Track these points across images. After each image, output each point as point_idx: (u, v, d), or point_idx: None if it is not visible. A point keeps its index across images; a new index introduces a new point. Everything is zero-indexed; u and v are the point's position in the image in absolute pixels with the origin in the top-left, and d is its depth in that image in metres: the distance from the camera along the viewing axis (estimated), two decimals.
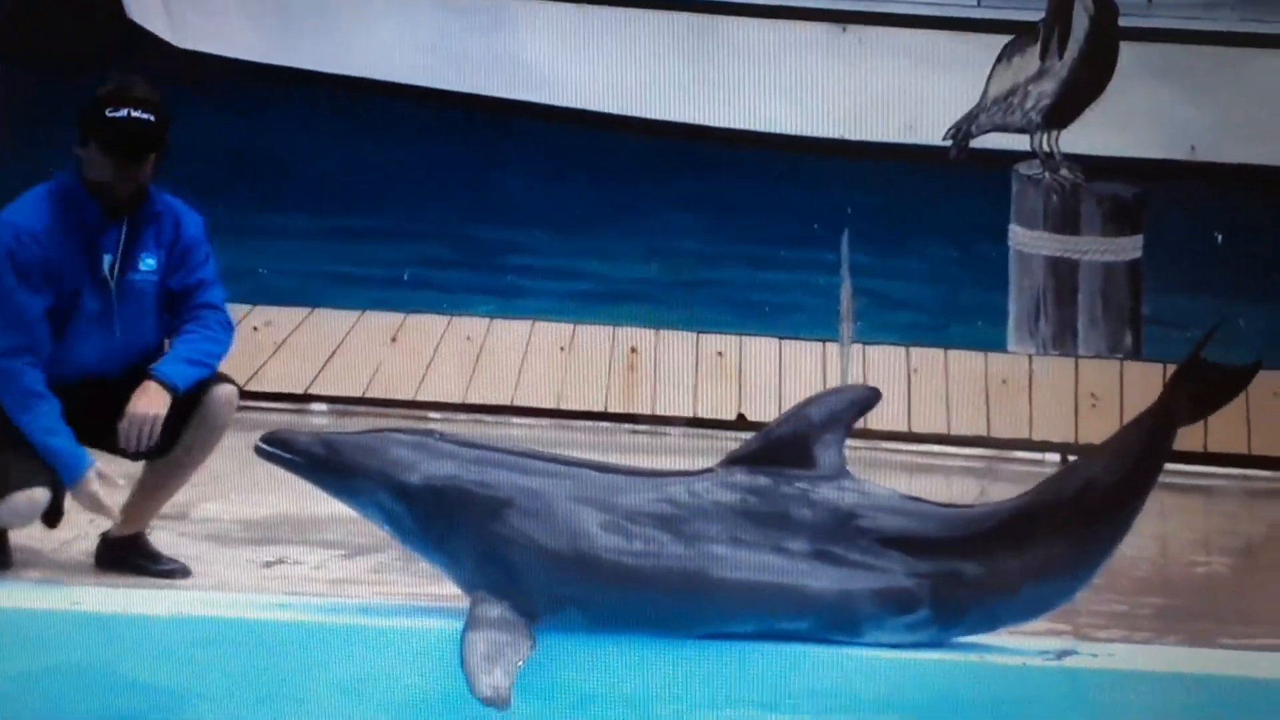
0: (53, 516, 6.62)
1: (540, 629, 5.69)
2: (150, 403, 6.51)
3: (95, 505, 6.55)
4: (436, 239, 10.21)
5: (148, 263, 6.60)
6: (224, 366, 6.80)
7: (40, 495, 6.48)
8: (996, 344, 10.20)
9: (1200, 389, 6.06)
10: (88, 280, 6.53)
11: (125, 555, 6.84)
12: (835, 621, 5.82)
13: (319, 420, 10.02)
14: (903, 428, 10.03)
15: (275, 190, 10.14)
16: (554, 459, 6.01)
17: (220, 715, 5.64)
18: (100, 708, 5.63)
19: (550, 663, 5.60)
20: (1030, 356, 10.21)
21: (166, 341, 6.80)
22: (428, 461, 5.89)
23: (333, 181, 10.16)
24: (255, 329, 10.11)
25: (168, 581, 6.75)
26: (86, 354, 6.60)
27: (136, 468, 6.84)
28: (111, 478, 6.57)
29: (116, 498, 6.61)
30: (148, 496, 6.86)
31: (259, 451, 5.98)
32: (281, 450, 5.97)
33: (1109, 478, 5.99)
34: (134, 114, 6.44)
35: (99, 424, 6.57)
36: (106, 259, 6.54)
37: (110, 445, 6.64)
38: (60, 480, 6.56)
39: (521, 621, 5.73)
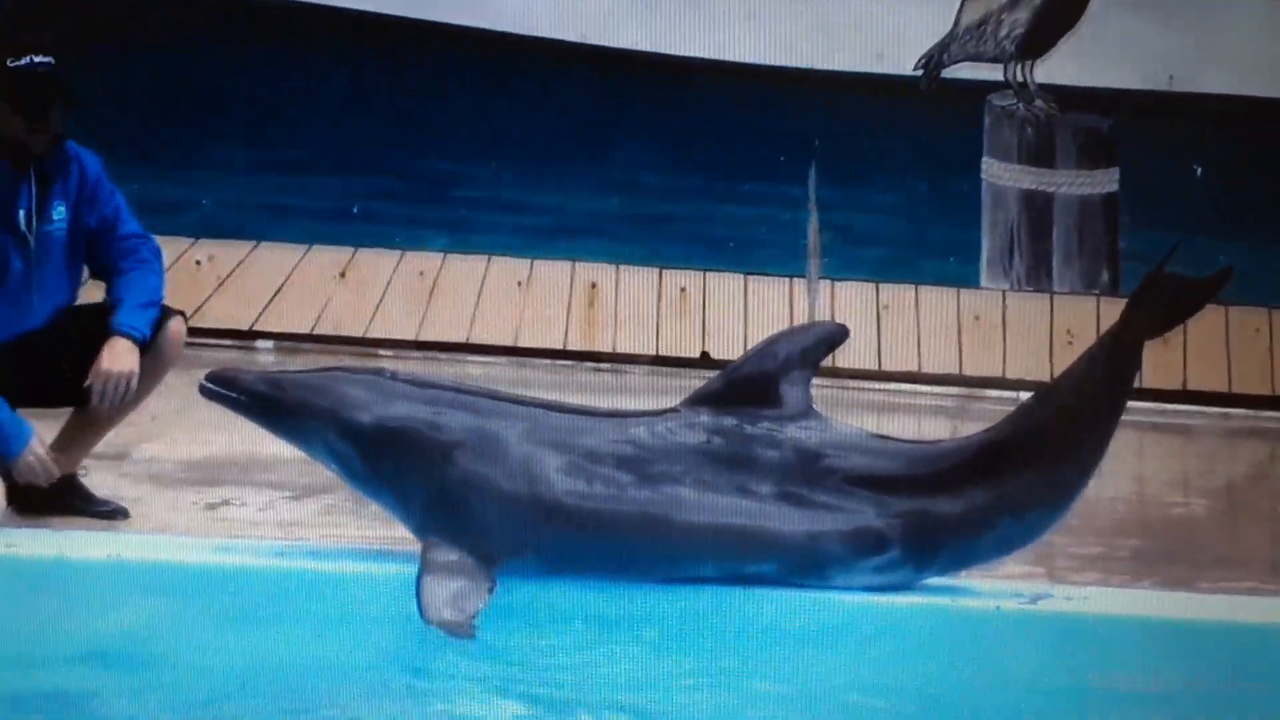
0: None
1: (498, 573, 5.67)
2: (122, 359, 6.39)
3: (39, 473, 6.39)
4: (386, 171, 10.17)
5: (59, 211, 6.52)
6: (166, 303, 6.72)
7: None
8: (969, 280, 10.21)
9: (1166, 300, 5.97)
10: (7, 237, 6.44)
11: (57, 498, 6.63)
12: (802, 564, 5.79)
13: (264, 358, 9.99)
14: (872, 366, 10.04)
15: (214, 120, 10.06)
16: (510, 399, 5.92)
17: (163, 663, 5.51)
18: (34, 655, 5.49)
19: (508, 611, 5.58)
20: (1004, 293, 10.22)
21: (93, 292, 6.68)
22: (378, 401, 5.80)
23: (274, 110, 10.11)
24: (198, 263, 10.02)
25: (106, 524, 6.59)
26: (8, 313, 6.48)
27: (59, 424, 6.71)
28: (45, 443, 6.43)
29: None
30: (82, 435, 6.70)
31: (203, 391, 5.88)
32: (227, 389, 5.88)
33: (1078, 404, 5.93)
34: (36, 60, 6.33)
35: (27, 383, 6.46)
36: (20, 214, 6.44)
37: (42, 401, 6.54)
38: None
39: (478, 562, 5.65)
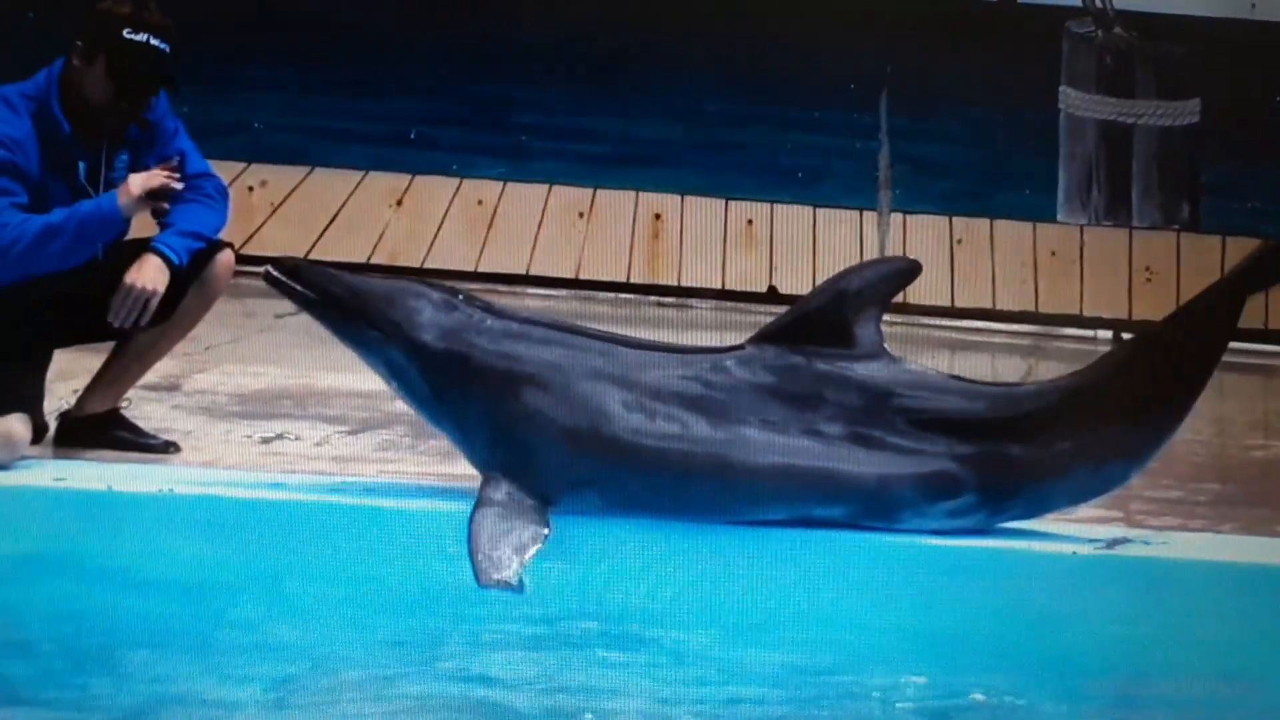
0: (37, 435, 6.40)
1: (556, 513, 5.62)
2: (150, 276, 6.31)
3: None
4: (443, 95, 10.14)
5: (121, 159, 6.43)
6: None
7: (17, 425, 6.22)
8: (1045, 214, 10.16)
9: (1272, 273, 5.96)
10: (66, 190, 6.35)
11: (103, 431, 6.57)
12: (872, 508, 5.74)
13: None
14: (945, 302, 10.03)
15: (264, 38, 10.03)
16: (578, 331, 5.85)
17: (215, 599, 5.49)
18: (86, 590, 5.50)
19: (565, 550, 5.54)
20: (1081, 227, 10.18)
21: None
22: (450, 324, 5.72)
23: (327, 29, 10.05)
24: (250, 189, 10.00)
25: (157, 457, 6.51)
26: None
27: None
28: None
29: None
30: (129, 365, 6.61)
31: (268, 278, 5.77)
32: (293, 281, 5.77)
33: (1171, 356, 5.86)
34: (153, 41, 6.25)
35: (67, 318, 6.40)
36: (82, 167, 6.36)
37: (89, 335, 6.50)
38: (33, 398, 6.31)
39: (535, 504, 5.60)
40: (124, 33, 6.19)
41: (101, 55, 6.21)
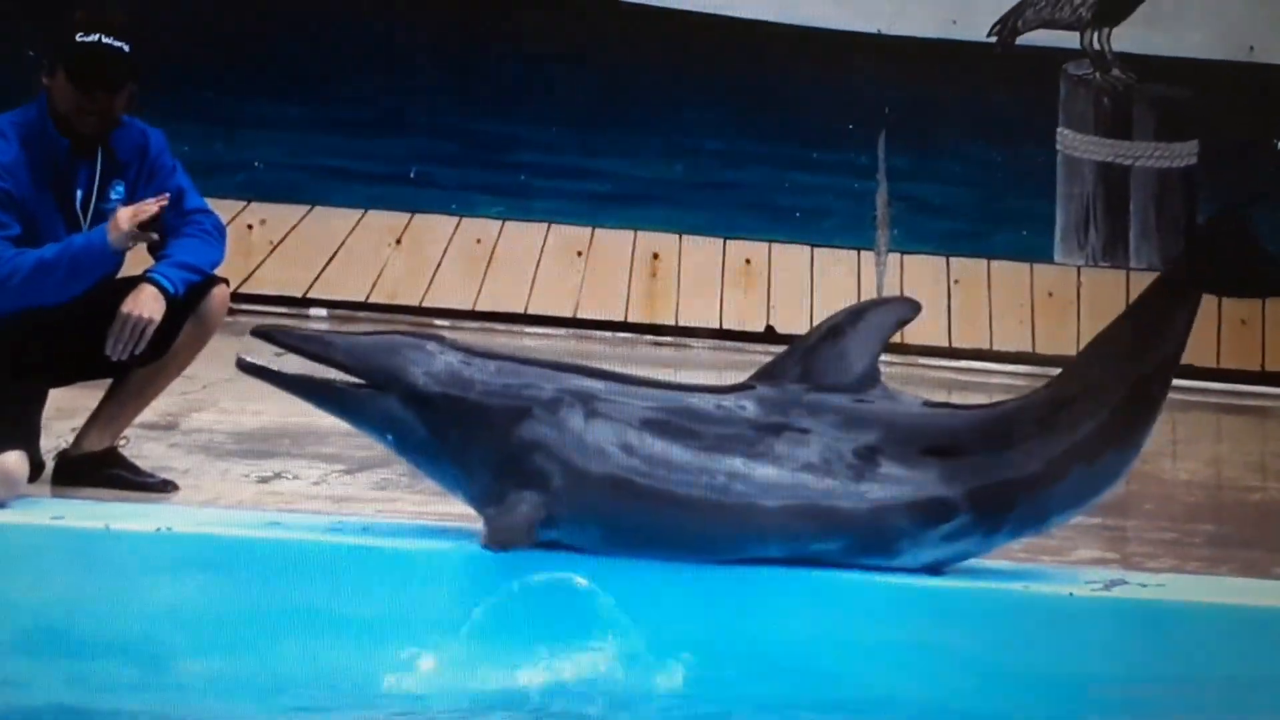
0: (34, 472, 6.36)
1: (558, 547, 5.61)
2: (145, 306, 6.27)
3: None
4: (443, 133, 10.13)
5: (117, 190, 6.42)
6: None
7: (15, 461, 6.17)
8: (1043, 254, 10.19)
9: (1231, 252, 5.87)
10: (59, 218, 6.35)
11: (100, 469, 6.54)
12: (869, 541, 5.70)
13: (318, 326, 9.98)
14: (942, 343, 10.05)
15: (264, 77, 10.03)
16: (573, 369, 5.80)
17: (212, 639, 5.47)
18: (83, 628, 5.49)
19: (564, 584, 5.48)
20: (1079, 268, 10.21)
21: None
22: (444, 367, 5.69)
23: (328, 68, 10.08)
24: (250, 227, 10.01)
25: (155, 496, 6.49)
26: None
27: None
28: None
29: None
30: (125, 403, 6.59)
31: (241, 367, 5.72)
32: (276, 349, 5.75)
33: (1137, 346, 5.84)
34: (105, 40, 6.24)
35: (62, 355, 6.38)
36: (78, 194, 6.36)
37: (85, 373, 6.47)
38: (29, 435, 6.30)
39: (538, 504, 5.61)
40: (76, 37, 6.19)
41: (60, 65, 6.22)
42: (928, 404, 5.84)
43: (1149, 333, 5.83)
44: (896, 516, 5.66)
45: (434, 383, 5.64)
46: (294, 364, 5.82)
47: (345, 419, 5.80)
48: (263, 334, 5.76)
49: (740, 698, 5.38)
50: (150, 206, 6.19)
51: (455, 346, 5.74)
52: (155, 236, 6.23)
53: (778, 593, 5.57)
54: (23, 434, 6.25)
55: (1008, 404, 5.91)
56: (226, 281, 6.55)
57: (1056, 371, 5.96)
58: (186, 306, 6.38)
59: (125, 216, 6.18)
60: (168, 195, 6.27)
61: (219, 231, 6.46)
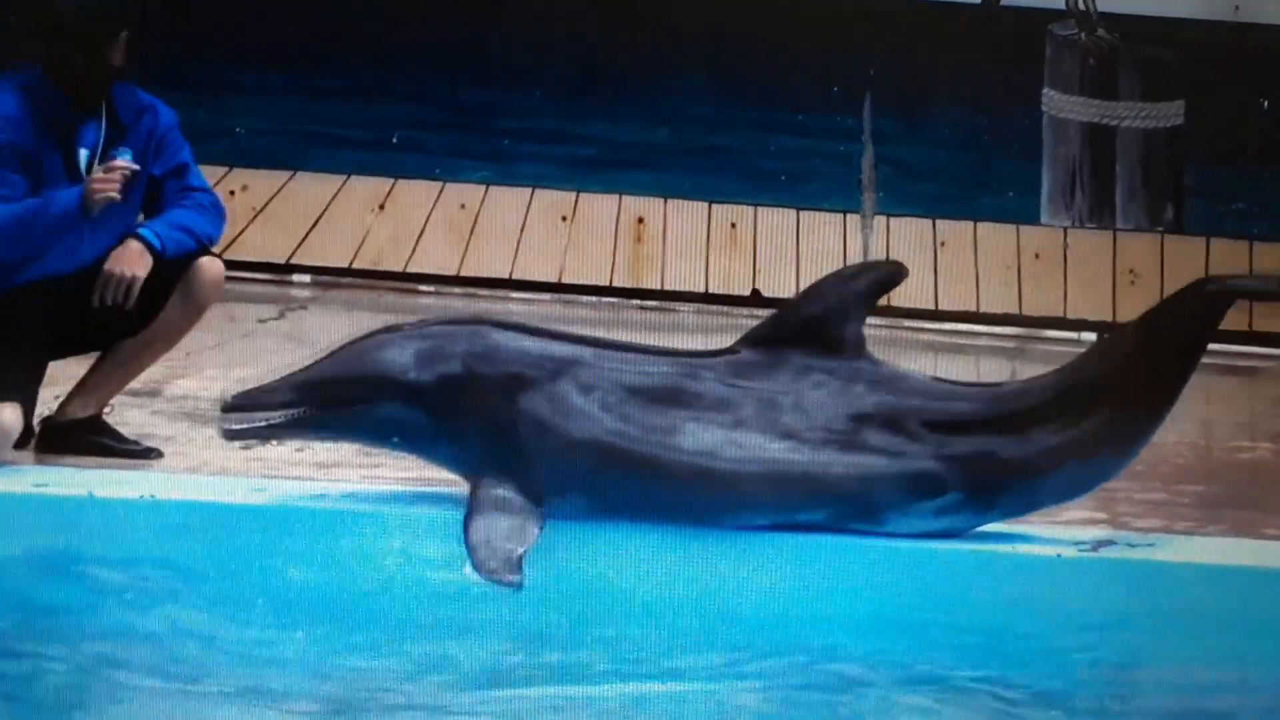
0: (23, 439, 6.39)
1: (547, 515, 5.61)
2: (130, 261, 6.29)
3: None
4: (426, 99, 10.13)
5: (124, 157, 6.41)
6: None
7: (9, 414, 6.21)
8: (1029, 216, 10.19)
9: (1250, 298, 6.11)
10: (63, 177, 6.37)
11: (84, 436, 6.55)
12: (856, 510, 5.73)
13: (302, 292, 10.02)
14: (929, 305, 10.03)
15: (246, 43, 10.02)
16: (557, 336, 5.82)
17: (197, 605, 5.49)
18: (66, 596, 5.50)
19: (554, 553, 5.53)
20: (1065, 229, 10.21)
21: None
22: (426, 355, 5.68)
23: (309, 33, 10.06)
24: (232, 193, 9.94)
25: (139, 463, 6.50)
26: (58, 254, 6.39)
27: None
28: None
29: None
30: (112, 372, 6.59)
31: (226, 436, 5.74)
32: (256, 411, 5.70)
33: (1153, 349, 5.86)
34: None
35: (59, 327, 6.40)
36: (83, 154, 6.39)
37: (80, 347, 6.50)
38: (27, 399, 6.31)
39: (528, 504, 5.58)
40: None
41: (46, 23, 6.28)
42: (928, 378, 5.85)
43: (1164, 340, 5.83)
44: (885, 487, 5.67)
45: (425, 373, 5.62)
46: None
47: (350, 441, 5.84)
48: (233, 407, 5.69)
49: (729, 662, 5.38)
50: (123, 165, 6.20)
51: (414, 330, 5.73)
52: (118, 197, 6.21)
53: (763, 555, 5.56)
54: (20, 396, 6.26)
55: (1008, 386, 5.97)
56: (220, 259, 6.54)
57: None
58: (178, 270, 6.39)
59: (96, 174, 6.20)
60: (137, 167, 6.26)
61: (217, 209, 6.50)
